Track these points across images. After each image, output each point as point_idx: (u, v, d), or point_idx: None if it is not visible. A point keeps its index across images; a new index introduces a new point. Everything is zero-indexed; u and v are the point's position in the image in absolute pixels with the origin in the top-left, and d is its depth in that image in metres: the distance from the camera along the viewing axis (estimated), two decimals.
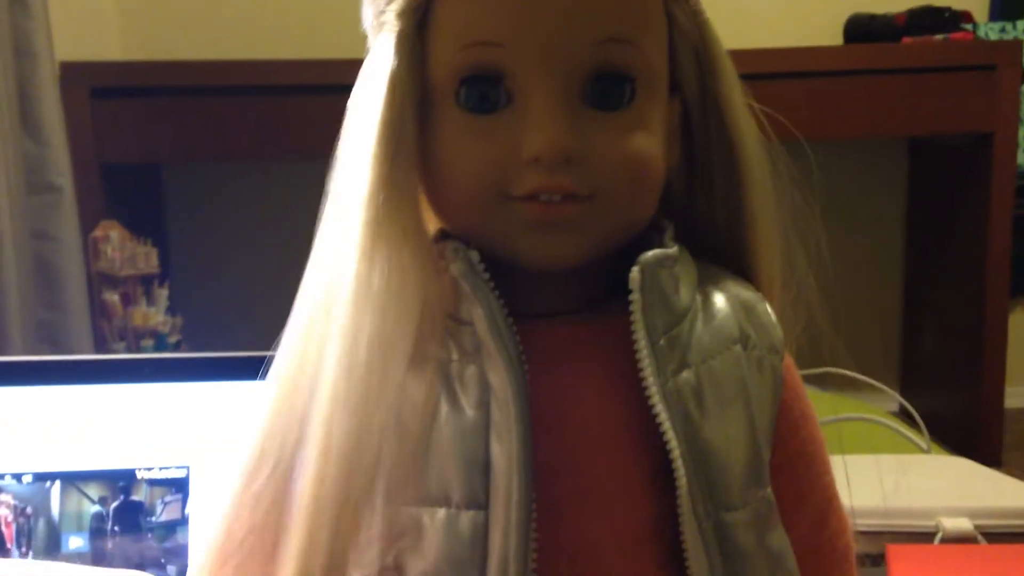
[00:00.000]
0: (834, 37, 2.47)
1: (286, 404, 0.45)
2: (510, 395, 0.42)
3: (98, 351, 1.57)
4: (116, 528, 0.69)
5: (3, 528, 0.68)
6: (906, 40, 2.27)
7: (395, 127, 0.44)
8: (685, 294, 0.47)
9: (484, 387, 0.43)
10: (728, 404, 0.45)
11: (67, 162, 1.72)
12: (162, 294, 1.58)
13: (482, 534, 0.42)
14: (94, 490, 0.69)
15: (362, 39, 0.49)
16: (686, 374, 0.45)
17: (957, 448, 1.39)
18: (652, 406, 0.43)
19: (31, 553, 0.68)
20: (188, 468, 0.70)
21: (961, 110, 2.11)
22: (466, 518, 0.43)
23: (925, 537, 0.89)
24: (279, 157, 2.15)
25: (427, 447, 0.43)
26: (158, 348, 1.54)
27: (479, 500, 0.43)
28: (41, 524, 0.68)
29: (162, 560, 0.69)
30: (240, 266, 2.39)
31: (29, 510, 0.68)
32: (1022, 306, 2.64)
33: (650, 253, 0.45)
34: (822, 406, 0.55)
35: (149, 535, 0.69)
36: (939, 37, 2.27)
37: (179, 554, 0.69)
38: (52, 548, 0.68)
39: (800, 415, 0.50)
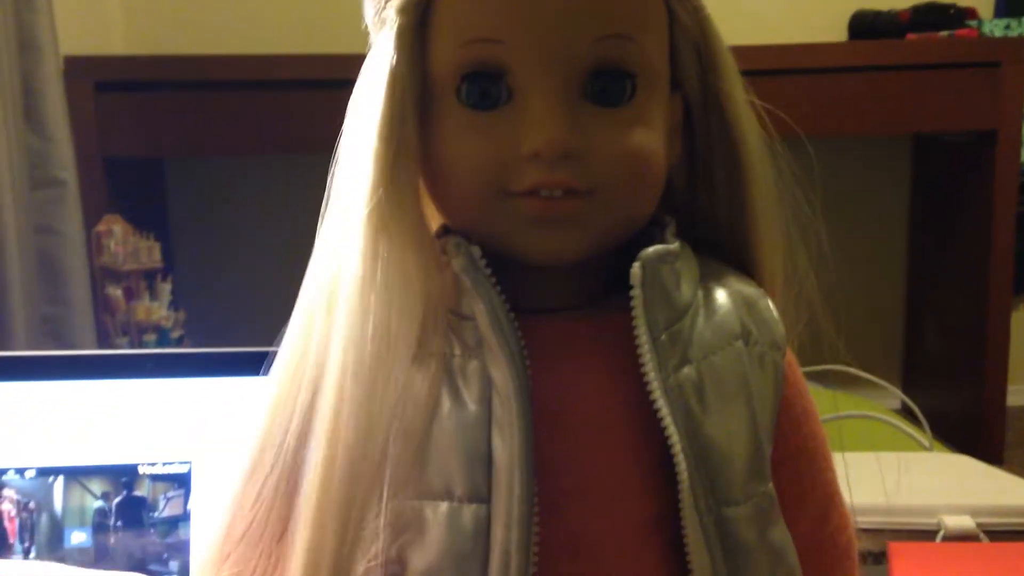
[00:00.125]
0: (838, 33, 2.47)
1: (288, 400, 0.45)
2: (512, 390, 0.42)
3: (101, 346, 1.58)
4: (118, 523, 0.69)
5: (6, 523, 0.68)
6: (910, 36, 2.26)
7: (396, 123, 0.44)
8: (686, 290, 0.47)
9: (486, 382, 0.44)
10: (729, 400, 0.45)
11: (71, 156, 1.72)
12: (165, 289, 1.59)
13: (484, 528, 0.42)
14: (97, 485, 0.69)
15: (364, 34, 0.49)
16: (687, 370, 0.45)
17: (959, 446, 1.39)
18: (653, 401, 0.43)
19: (34, 548, 0.68)
20: (190, 464, 0.70)
21: (965, 107, 2.10)
22: (468, 512, 0.43)
23: (927, 535, 0.89)
24: (282, 152, 2.15)
25: (430, 441, 0.44)
26: (161, 343, 1.54)
27: (481, 494, 0.43)
28: (44, 519, 0.68)
29: (164, 556, 0.69)
30: (243, 261, 2.39)
31: (32, 505, 0.68)
32: None
33: (651, 249, 0.45)
34: (823, 403, 0.55)
35: (151, 531, 0.69)
36: (944, 34, 2.26)
37: (181, 550, 0.69)
38: (55, 543, 0.68)
39: (802, 411, 0.50)
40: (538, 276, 0.46)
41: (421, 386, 0.44)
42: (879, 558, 0.83)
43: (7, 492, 0.68)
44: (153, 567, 0.69)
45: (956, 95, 2.09)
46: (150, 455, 0.70)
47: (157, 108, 1.98)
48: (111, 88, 1.94)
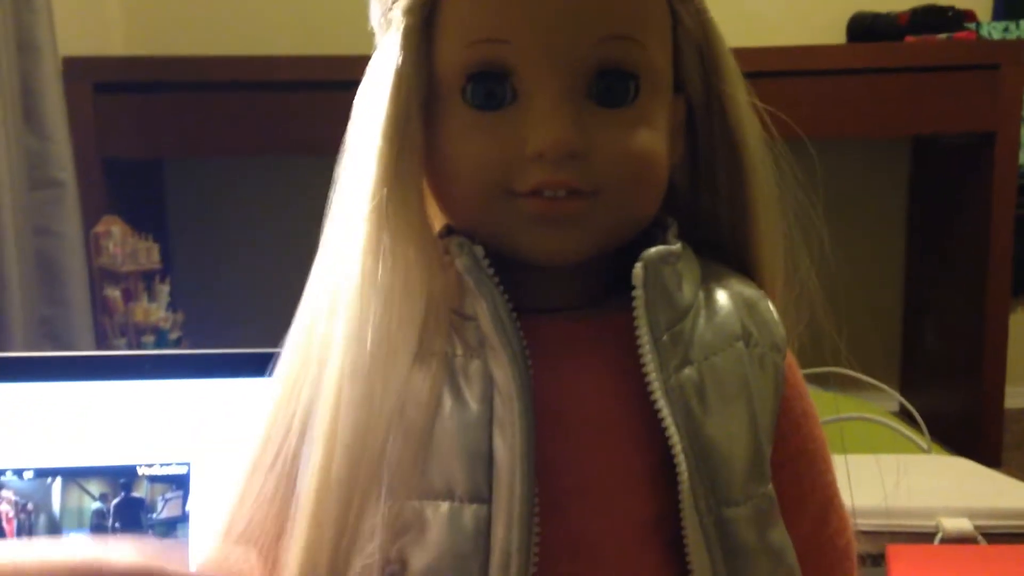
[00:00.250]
0: (837, 36, 2.47)
1: (290, 399, 0.46)
2: (513, 389, 0.42)
3: (99, 347, 1.58)
4: (117, 525, 0.69)
5: (4, 524, 0.68)
6: (909, 39, 2.27)
7: (401, 123, 0.44)
8: (688, 291, 0.47)
9: (488, 381, 0.44)
10: (730, 401, 0.46)
11: (69, 157, 1.72)
12: (163, 290, 1.59)
13: (485, 528, 0.42)
14: (95, 486, 0.69)
15: (366, 35, 0.49)
16: (688, 370, 0.45)
17: (957, 448, 1.39)
18: (654, 402, 0.44)
19: None
20: (189, 465, 0.70)
21: (964, 109, 2.11)
22: (469, 512, 0.43)
23: (925, 537, 0.89)
24: (281, 153, 2.15)
25: (431, 441, 0.44)
26: (159, 344, 1.54)
27: (482, 494, 0.43)
28: (42, 520, 0.68)
29: None
30: (242, 262, 2.39)
31: (30, 506, 0.68)
32: (1023, 306, 2.63)
33: (653, 250, 0.45)
34: (823, 405, 0.55)
35: (150, 532, 0.69)
36: (942, 36, 2.26)
37: None
38: None
39: (801, 413, 0.50)
40: (540, 276, 0.46)
41: (423, 386, 0.44)
42: (878, 560, 0.83)
43: (5, 493, 0.68)
44: None
45: (955, 97, 2.10)
46: (148, 456, 0.69)
47: (156, 109, 1.98)
48: (110, 89, 1.94)
